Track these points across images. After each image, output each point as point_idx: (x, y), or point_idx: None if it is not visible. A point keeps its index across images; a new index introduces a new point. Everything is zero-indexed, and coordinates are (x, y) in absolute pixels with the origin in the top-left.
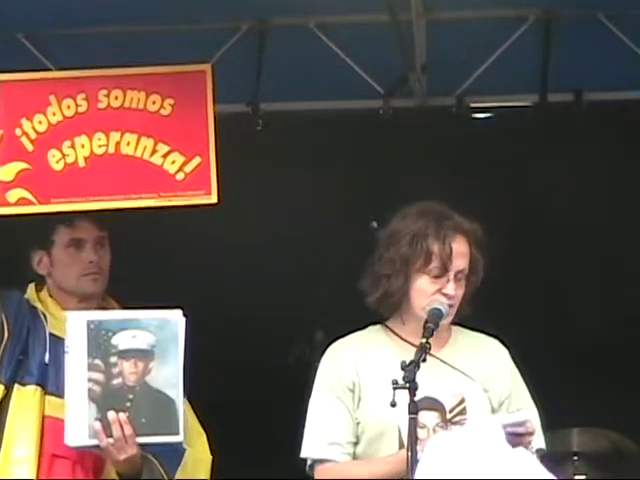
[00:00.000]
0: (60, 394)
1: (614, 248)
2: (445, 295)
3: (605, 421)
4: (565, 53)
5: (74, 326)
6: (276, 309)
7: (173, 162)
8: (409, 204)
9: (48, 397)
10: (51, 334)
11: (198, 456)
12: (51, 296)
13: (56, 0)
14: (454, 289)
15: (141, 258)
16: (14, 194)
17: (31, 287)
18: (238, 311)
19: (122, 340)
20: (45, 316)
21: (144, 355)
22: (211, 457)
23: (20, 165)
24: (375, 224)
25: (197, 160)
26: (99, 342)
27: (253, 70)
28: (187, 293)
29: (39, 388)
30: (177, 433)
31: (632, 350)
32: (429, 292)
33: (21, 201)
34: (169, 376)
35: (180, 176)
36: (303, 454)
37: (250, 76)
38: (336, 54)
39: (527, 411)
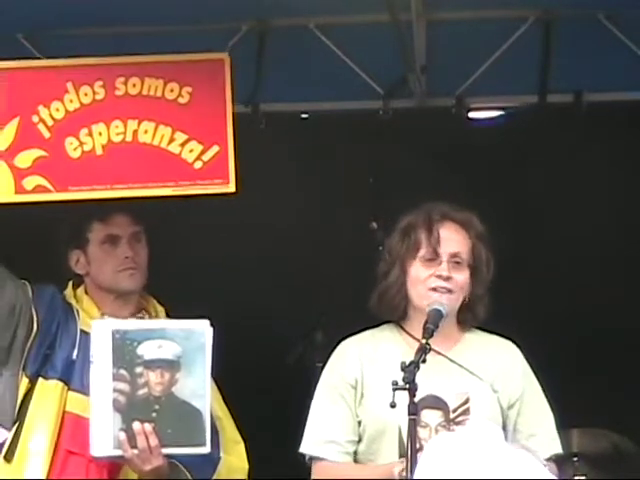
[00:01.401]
0: (85, 391)
1: (614, 248)
2: (440, 277)
3: (605, 422)
4: (565, 53)
5: (99, 335)
6: (276, 309)
7: (191, 151)
8: (409, 204)
9: (71, 393)
10: (82, 331)
11: (233, 465)
12: (87, 293)
13: (56, 0)
14: (448, 270)
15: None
16: (31, 181)
17: (69, 284)
18: (238, 311)
19: (148, 350)
20: (78, 313)
21: (170, 365)
22: (247, 466)
23: (37, 152)
24: (375, 225)
25: (215, 149)
26: (124, 352)
27: (253, 70)
28: (187, 293)
29: (61, 383)
30: (203, 444)
31: (632, 350)
32: (423, 277)
33: (38, 188)
34: (195, 387)
35: (198, 165)
36: (301, 449)
37: (250, 76)
38: (336, 54)
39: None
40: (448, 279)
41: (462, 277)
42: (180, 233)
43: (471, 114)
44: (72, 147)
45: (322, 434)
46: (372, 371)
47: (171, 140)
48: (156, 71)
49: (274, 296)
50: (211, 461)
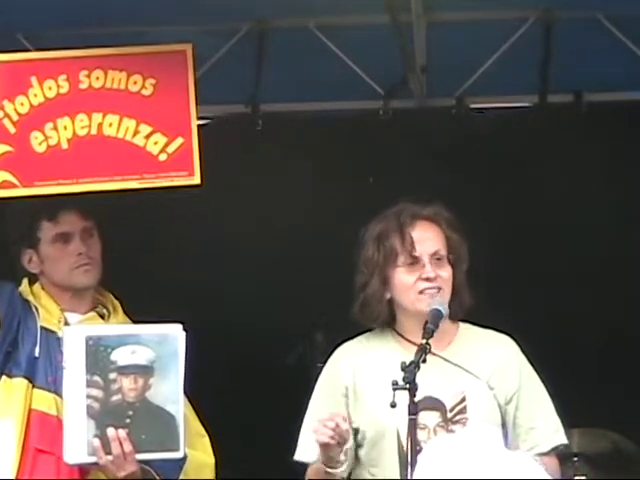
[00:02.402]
0: (49, 388)
1: (614, 248)
2: (427, 279)
3: (605, 422)
4: (565, 54)
5: (72, 341)
6: (276, 310)
7: (155, 143)
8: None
9: (36, 390)
10: (42, 327)
11: (201, 460)
12: (44, 289)
13: (56, 0)
14: (433, 270)
15: (135, 256)
16: None
17: (24, 281)
18: (238, 312)
19: (121, 356)
20: (37, 309)
21: (144, 371)
22: (213, 460)
23: (3, 147)
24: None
25: (179, 141)
26: (98, 358)
27: (253, 70)
28: (187, 294)
29: (26, 381)
30: (177, 449)
31: (633, 350)
32: (410, 283)
33: (4, 184)
34: (169, 392)
35: (163, 157)
36: (296, 457)
37: (250, 76)
38: (336, 55)
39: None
40: (435, 279)
41: (446, 273)
42: (180, 233)
43: (471, 114)
44: (37, 142)
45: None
46: (366, 376)
47: (136, 132)
48: (119, 63)
49: (274, 296)
50: (177, 461)
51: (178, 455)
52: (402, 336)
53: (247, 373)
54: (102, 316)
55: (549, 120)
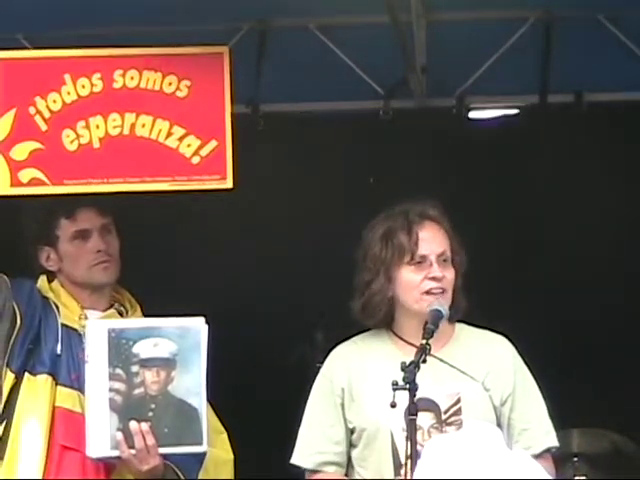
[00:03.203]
0: (72, 386)
1: (614, 247)
2: (433, 279)
3: (605, 422)
4: (565, 54)
5: (94, 335)
6: (276, 309)
7: (189, 145)
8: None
9: (59, 388)
10: (63, 324)
11: (220, 457)
12: (63, 287)
13: (56, 0)
14: (440, 270)
15: (140, 254)
16: (27, 174)
17: (42, 278)
18: (237, 312)
19: (144, 349)
20: (57, 307)
21: (166, 364)
22: (232, 457)
23: (33, 144)
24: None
25: (213, 144)
26: (120, 351)
27: (253, 70)
28: (187, 294)
29: (50, 378)
30: (200, 443)
31: (633, 350)
32: (416, 282)
33: (34, 181)
34: (192, 385)
35: (195, 160)
36: (292, 460)
37: (250, 76)
38: (336, 55)
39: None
40: (441, 279)
41: (451, 275)
42: (179, 233)
43: (471, 114)
44: (69, 140)
45: (312, 445)
46: (361, 376)
47: (169, 134)
48: (154, 64)
49: (274, 296)
50: (197, 455)
51: (201, 449)
52: (399, 336)
53: (247, 373)
54: (121, 314)
55: (549, 120)
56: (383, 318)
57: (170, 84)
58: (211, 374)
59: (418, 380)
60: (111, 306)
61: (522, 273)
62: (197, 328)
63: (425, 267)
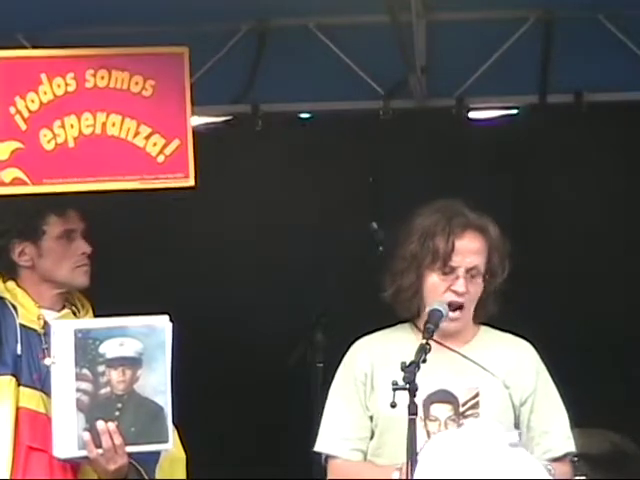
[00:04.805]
0: (35, 386)
1: (614, 247)
2: (455, 292)
3: (605, 422)
4: (565, 54)
5: (60, 335)
6: (276, 310)
7: (154, 144)
8: (408, 205)
9: (22, 388)
10: (21, 325)
11: (174, 455)
12: (19, 286)
13: (56, 0)
14: (464, 286)
15: (134, 257)
16: (8, 173)
17: None
18: (238, 312)
19: (110, 348)
20: (15, 307)
21: (132, 363)
22: (185, 455)
23: (14, 144)
24: (375, 225)
25: (176, 142)
26: (86, 351)
27: (253, 70)
28: (187, 294)
29: (14, 378)
30: (166, 441)
31: (633, 350)
32: (440, 289)
33: (15, 181)
34: (157, 383)
35: (161, 158)
36: (316, 448)
37: (250, 76)
38: (336, 55)
39: (520, 433)
40: (463, 294)
41: (476, 290)
42: (180, 232)
43: (471, 114)
44: (46, 139)
45: (335, 432)
46: (383, 366)
47: (136, 133)
48: (122, 63)
49: (274, 296)
50: (153, 454)
51: (167, 446)
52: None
53: (247, 373)
54: (74, 313)
55: (549, 120)
56: (412, 311)
57: (137, 83)
58: (211, 374)
59: (438, 372)
60: (64, 307)
61: (522, 272)
62: (162, 326)
63: (451, 278)
